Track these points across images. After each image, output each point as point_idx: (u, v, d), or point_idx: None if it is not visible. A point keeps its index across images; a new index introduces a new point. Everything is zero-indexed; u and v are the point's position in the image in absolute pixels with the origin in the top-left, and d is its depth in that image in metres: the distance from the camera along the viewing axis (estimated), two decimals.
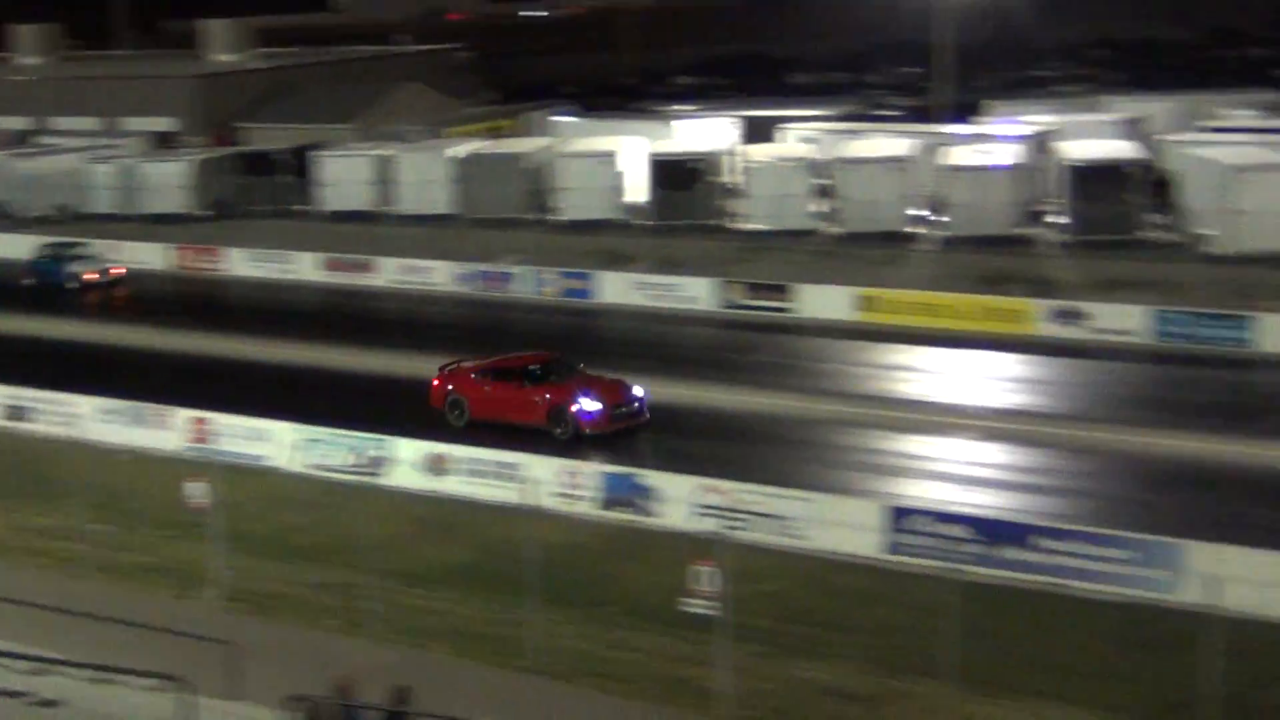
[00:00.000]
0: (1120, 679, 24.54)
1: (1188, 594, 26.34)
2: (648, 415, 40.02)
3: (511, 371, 40.79)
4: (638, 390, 40.22)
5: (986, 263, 56.50)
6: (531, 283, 58.89)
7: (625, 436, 38.99)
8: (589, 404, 39.21)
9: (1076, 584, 28.40)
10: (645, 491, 33.14)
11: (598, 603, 28.51)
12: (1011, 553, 29.19)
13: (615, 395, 39.75)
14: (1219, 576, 25.03)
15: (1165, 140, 65.79)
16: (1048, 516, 31.31)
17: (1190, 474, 34.75)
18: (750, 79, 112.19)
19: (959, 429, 39.09)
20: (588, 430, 38.97)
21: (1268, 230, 54.70)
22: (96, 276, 64.29)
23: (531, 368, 40.70)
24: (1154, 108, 74.92)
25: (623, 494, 33.39)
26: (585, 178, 68.85)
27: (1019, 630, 26.60)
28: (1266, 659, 24.52)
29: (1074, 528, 29.82)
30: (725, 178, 67.82)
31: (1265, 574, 26.76)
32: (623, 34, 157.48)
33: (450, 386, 41.19)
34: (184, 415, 39.83)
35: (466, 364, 41.83)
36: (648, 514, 32.90)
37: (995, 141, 65.86)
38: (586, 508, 33.65)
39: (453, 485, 35.21)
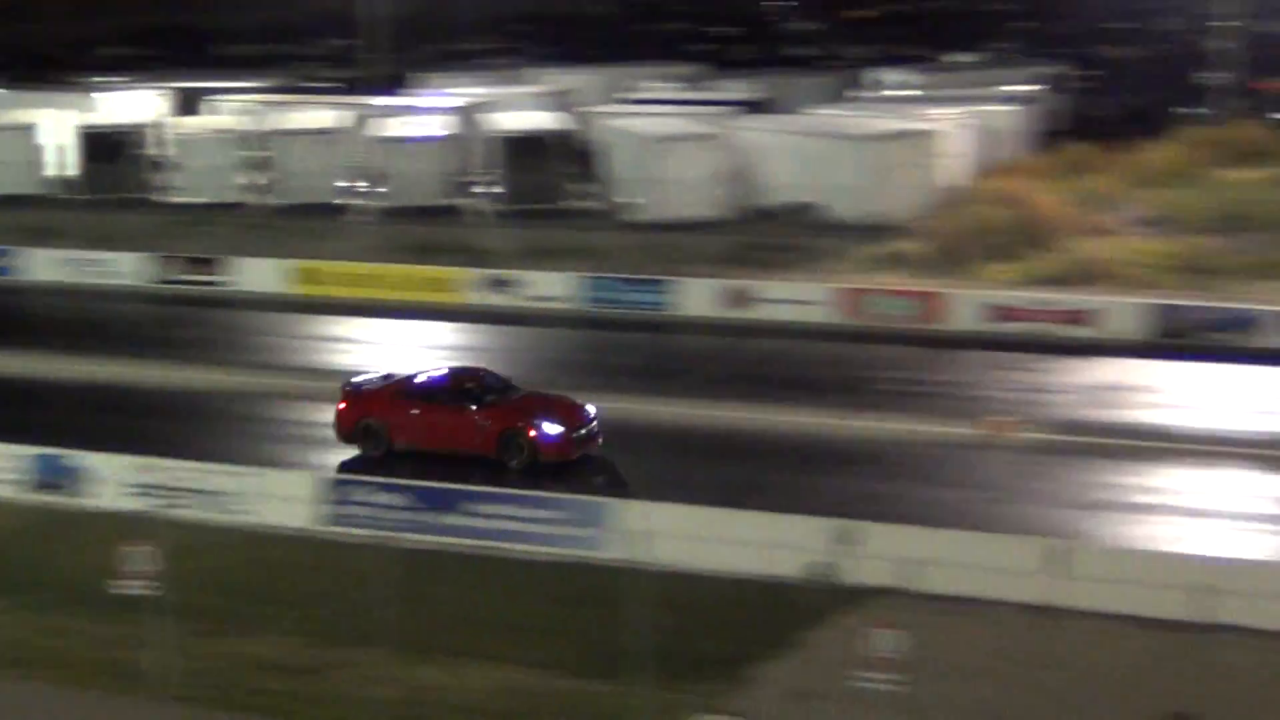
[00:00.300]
0: (554, 635, 25.24)
1: (618, 550, 27.38)
2: (600, 438, 34.47)
3: (443, 390, 34.92)
4: (590, 408, 34.53)
5: (420, 233, 56.93)
6: None
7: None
8: (550, 427, 33.61)
9: (511, 546, 29.09)
10: (75, 472, 32.28)
11: (29, 588, 27.72)
12: (448, 519, 29.72)
13: (572, 416, 34.13)
14: (648, 532, 26.20)
15: (590, 112, 67.73)
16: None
17: (624, 432, 35.52)
18: (181, 51, 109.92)
19: None
20: (547, 458, 33.50)
21: (686, 198, 57.14)
22: None
23: (469, 385, 34.96)
24: (579, 80, 77.00)
25: (51, 476, 32.43)
26: (3, 151, 66.43)
27: (455, 594, 27.08)
28: (693, 610, 25.58)
29: (504, 491, 30.61)
30: (154, 150, 66.40)
31: (690, 528, 28.06)
32: (46, 3, 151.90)
33: (362, 411, 35.09)
34: None
35: (374, 382, 36.00)
36: (79, 495, 32.08)
37: (423, 114, 66.56)
38: (13, 492, 32.60)
39: None
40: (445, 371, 36.15)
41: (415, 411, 34.39)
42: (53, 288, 54.56)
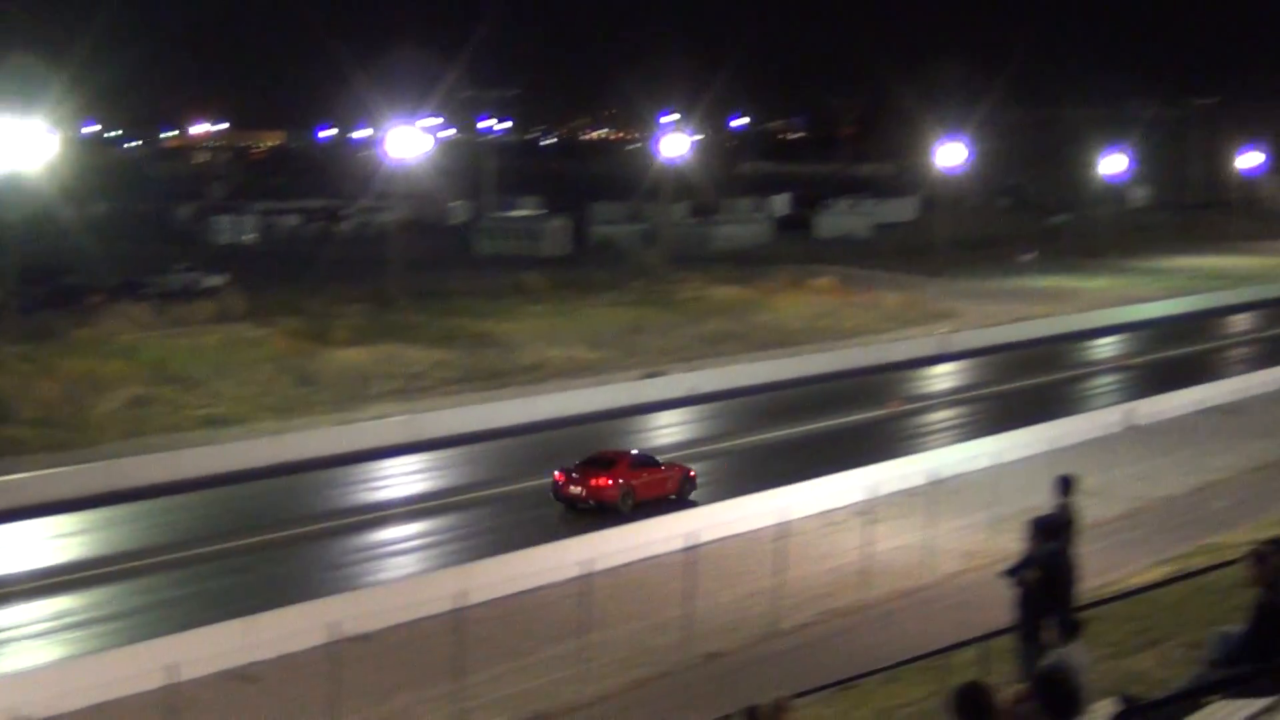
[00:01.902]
0: None
1: None
2: None
3: (644, 460, 51.53)
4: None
5: None
6: None
7: None
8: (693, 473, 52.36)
9: None
10: None
11: None
12: None
13: None
14: None
15: None
16: None
17: None
18: None
19: None
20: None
21: None
22: None
23: (650, 455, 53.03)
24: None
25: None
26: None
27: None
28: None
29: None
30: None
31: None
32: None
33: (620, 480, 49.22)
34: None
35: (610, 460, 50.82)
36: None
37: None
38: None
39: None
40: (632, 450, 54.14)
41: (645, 476, 50.45)
42: None
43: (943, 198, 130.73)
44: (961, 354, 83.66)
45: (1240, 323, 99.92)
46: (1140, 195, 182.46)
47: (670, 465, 52.06)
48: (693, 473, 52.00)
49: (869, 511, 44.48)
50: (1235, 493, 51.96)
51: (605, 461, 50.38)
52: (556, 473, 49.85)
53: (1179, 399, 67.36)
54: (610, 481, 49.09)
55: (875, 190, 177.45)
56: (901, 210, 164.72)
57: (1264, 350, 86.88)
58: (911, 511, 47.00)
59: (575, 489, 49.19)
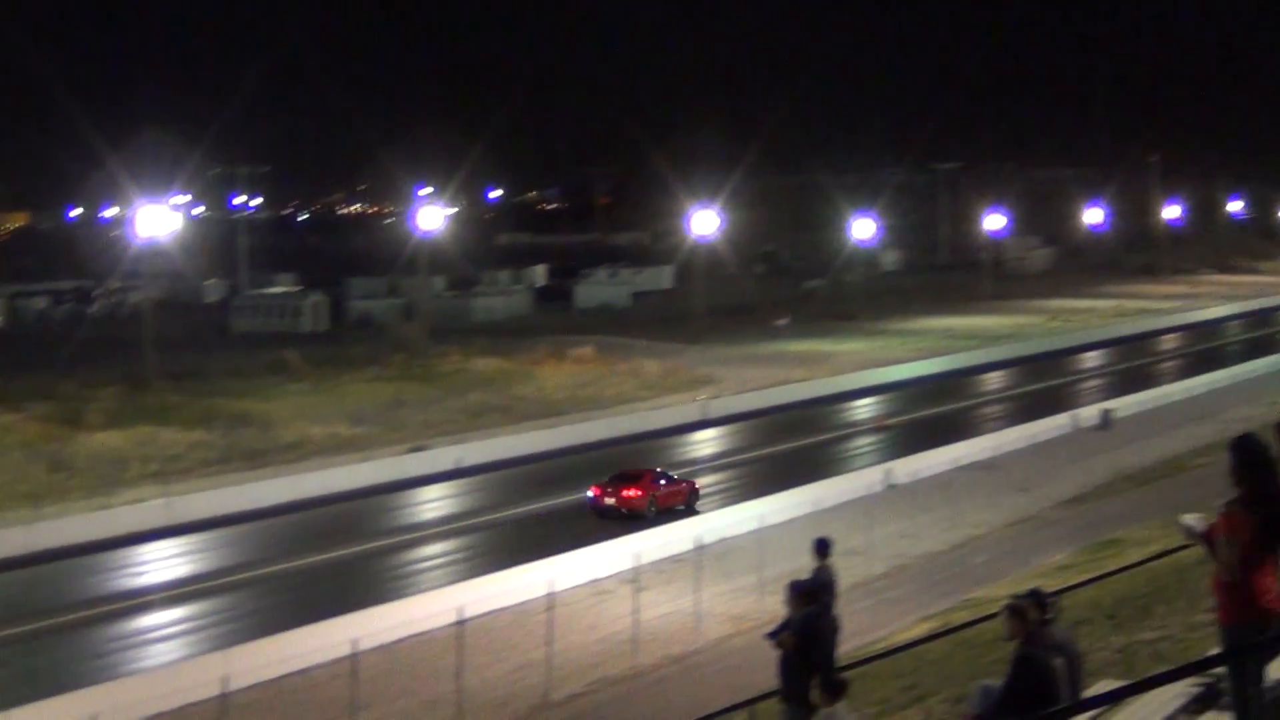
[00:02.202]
0: None
1: None
2: None
3: (662, 475, 61.34)
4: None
5: None
6: None
7: None
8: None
9: None
10: None
11: None
12: None
13: None
14: None
15: None
16: None
17: None
18: None
19: None
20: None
21: None
22: None
23: (666, 471, 62.94)
24: None
25: None
26: None
27: None
28: None
29: None
30: None
31: None
32: None
33: (646, 491, 58.78)
34: None
35: (636, 475, 60.46)
36: None
37: None
38: None
39: None
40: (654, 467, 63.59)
41: (664, 486, 60.13)
42: None
43: (698, 265, 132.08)
44: (723, 419, 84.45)
45: (993, 381, 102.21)
46: (891, 259, 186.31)
47: (681, 480, 61.94)
48: (698, 486, 62.20)
49: (637, 579, 44.66)
50: (994, 547, 53.11)
51: (632, 476, 60.09)
52: (593, 488, 59.49)
53: (937, 457, 68.73)
54: (639, 492, 58.68)
55: (632, 259, 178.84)
56: (659, 278, 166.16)
57: (1016, 407, 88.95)
58: (679, 577, 47.32)
59: (609, 500, 58.57)
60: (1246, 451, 10.93)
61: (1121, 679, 17.86)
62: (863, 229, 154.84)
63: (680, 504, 59.59)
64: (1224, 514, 10.79)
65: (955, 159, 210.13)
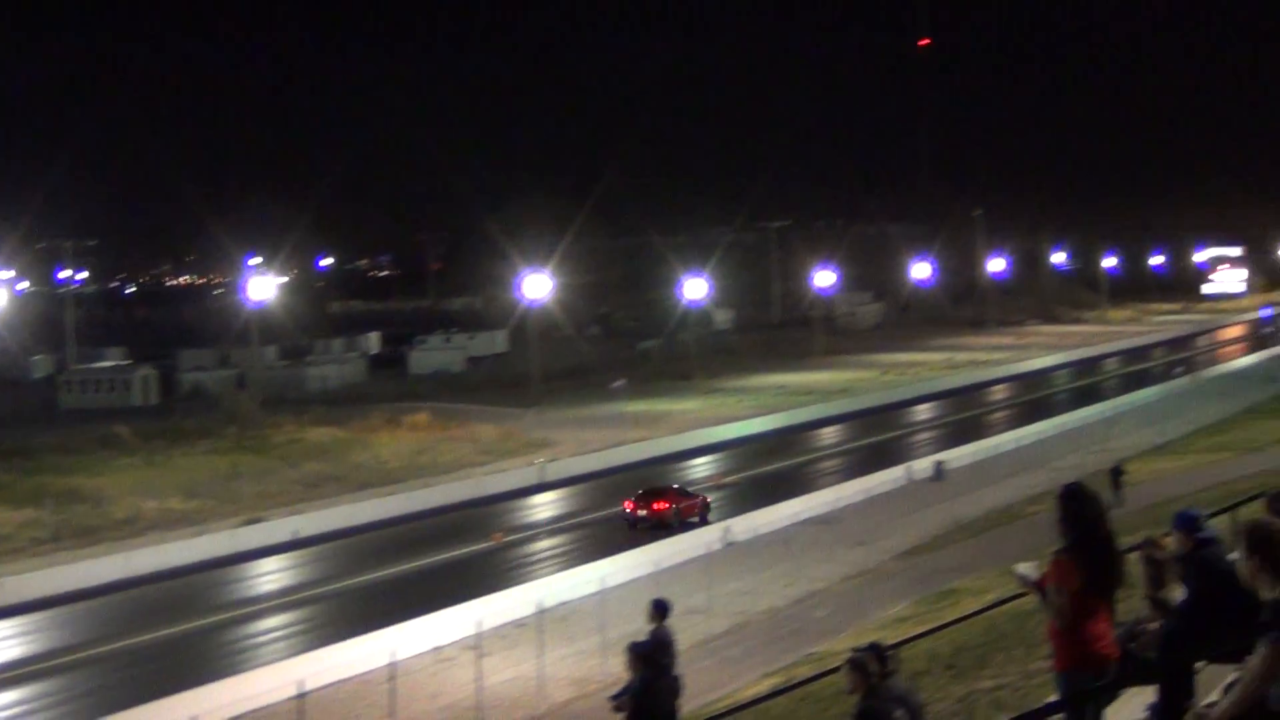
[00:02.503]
0: None
1: None
2: None
3: (682, 491, 72.88)
4: None
5: None
6: None
7: None
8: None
9: None
10: None
11: None
12: None
13: None
14: None
15: None
16: None
17: None
18: None
19: None
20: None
21: None
22: None
23: (683, 488, 74.64)
24: None
25: None
26: None
27: None
28: None
29: None
30: None
31: None
32: None
33: (671, 504, 69.78)
34: None
35: (662, 490, 72.03)
36: None
37: None
38: None
39: None
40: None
41: (684, 501, 70.87)
42: None
43: (532, 329, 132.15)
44: (562, 481, 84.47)
45: (828, 436, 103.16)
46: (724, 317, 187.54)
47: (696, 494, 73.15)
48: (709, 500, 72.59)
49: (479, 645, 44.46)
50: (834, 601, 53.48)
51: (659, 492, 71.40)
52: (626, 503, 70.41)
53: (775, 513, 69.25)
54: (667, 505, 69.59)
55: (466, 324, 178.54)
56: (493, 343, 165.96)
57: (852, 461, 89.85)
58: (521, 642, 47.19)
59: (642, 512, 69.16)
60: (1072, 500, 11.16)
61: None
62: (695, 289, 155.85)
63: (695, 516, 70.21)
64: (1053, 562, 11.00)
65: (785, 217, 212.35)
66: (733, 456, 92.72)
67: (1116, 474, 67.30)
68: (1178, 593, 12.68)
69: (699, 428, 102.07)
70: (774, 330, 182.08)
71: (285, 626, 55.09)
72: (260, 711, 40.99)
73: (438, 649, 47.90)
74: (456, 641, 48.10)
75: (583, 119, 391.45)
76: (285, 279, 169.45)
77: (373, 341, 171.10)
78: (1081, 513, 11.05)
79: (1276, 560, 8.73)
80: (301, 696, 37.55)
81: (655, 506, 69.31)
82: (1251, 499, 17.69)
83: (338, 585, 61.16)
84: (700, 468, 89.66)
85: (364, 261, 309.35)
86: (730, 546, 63.61)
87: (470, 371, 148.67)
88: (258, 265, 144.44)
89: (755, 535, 65.32)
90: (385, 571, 63.13)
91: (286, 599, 58.82)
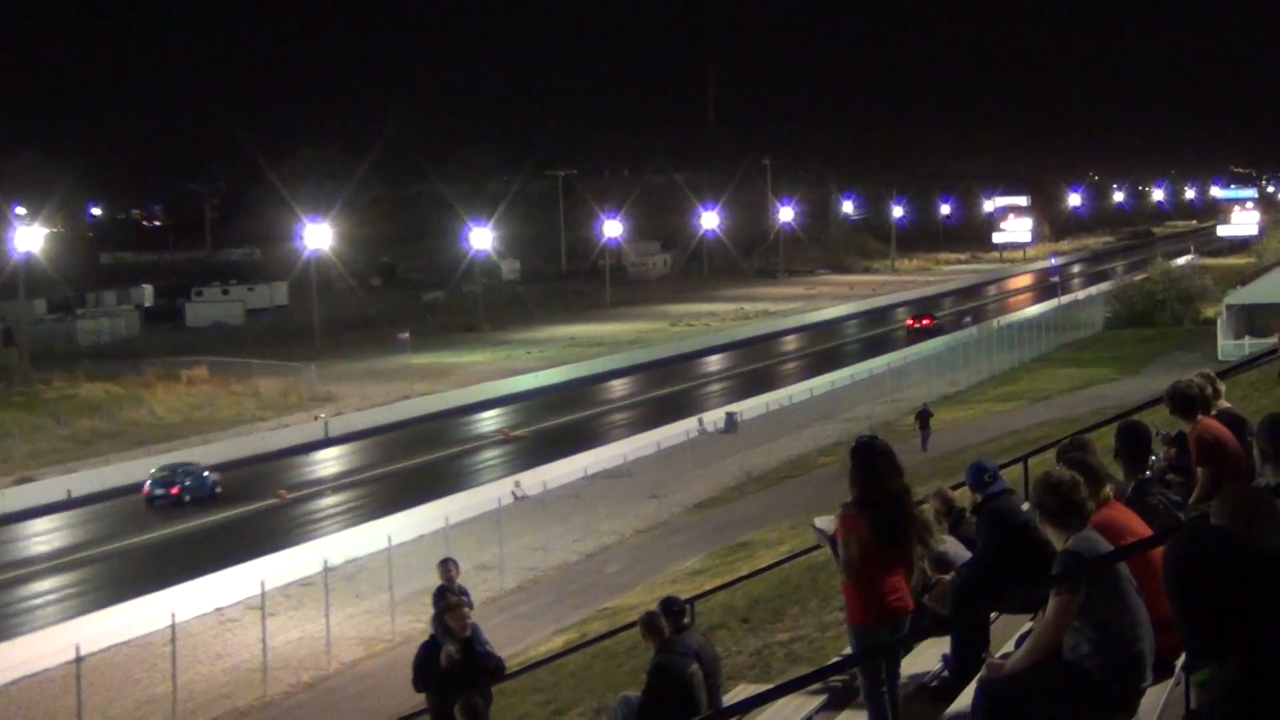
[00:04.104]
0: None
1: None
2: None
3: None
4: None
5: None
6: None
7: None
8: None
9: None
10: None
11: None
12: None
13: None
14: None
15: None
16: None
17: None
18: None
19: None
20: None
21: None
22: None
23: None
24: None
25: None
26: None
27: None
28: None
29: None
30: None
31: None
32: None
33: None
34: None
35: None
36: None
37: None
38: None
39: None
40: None
41: None
42: None
43: (314, 280, 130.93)
44: (346, 437, 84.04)
45: (620, 388, 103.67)
46: (511, 268, 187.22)
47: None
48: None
49: (264, 605, 44.16)
50: (626, 555, 53.94)
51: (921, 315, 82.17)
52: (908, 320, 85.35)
53: (566, 467, 69.50)
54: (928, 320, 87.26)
55: (245, 275, 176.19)
56: (273, 295, 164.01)
57: (644, 413, 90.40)
58: (308, 601, 46.99)
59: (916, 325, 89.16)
60: (863, 453, 11.41)
61: (758, 681, 18.44)
62: (480, 238, 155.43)
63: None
64: (842, 515, 11.23)
65: (572, 165, 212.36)
66: (522, 410, 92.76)
67: (924, 417, 68.58)
68: (948, 545, 13.03)
69: (486, 380, 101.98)
70: (563, 281, 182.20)
71: (60, 589, 54.26)
72: (36, 677, 40.40)
73: (220, 610, 47.55)
74: (240, 602, 47.79)
75: (365, 65, 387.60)
76: (53, 229, 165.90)
77: (146, 294, 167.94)
78: (871, 466, 11.29)
79: (1065, 511, 9.03)
80: (79, 661, 37.03)
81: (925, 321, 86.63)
82: (1043, 449, 18.23)
83: (114, 546, 60.34)
84: (488, 421, 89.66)
85: (136, 212, 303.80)
86: (521, 501, 63.79)
87: (250, 324, 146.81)
88: (23, 215, 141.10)
89: (545, 490, 65.52)
90: (164, 531, 62.44)
91: (60, 560, 57.92)
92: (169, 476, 68.49)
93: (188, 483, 68.38)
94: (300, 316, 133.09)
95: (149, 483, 67.82)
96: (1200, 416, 12.31)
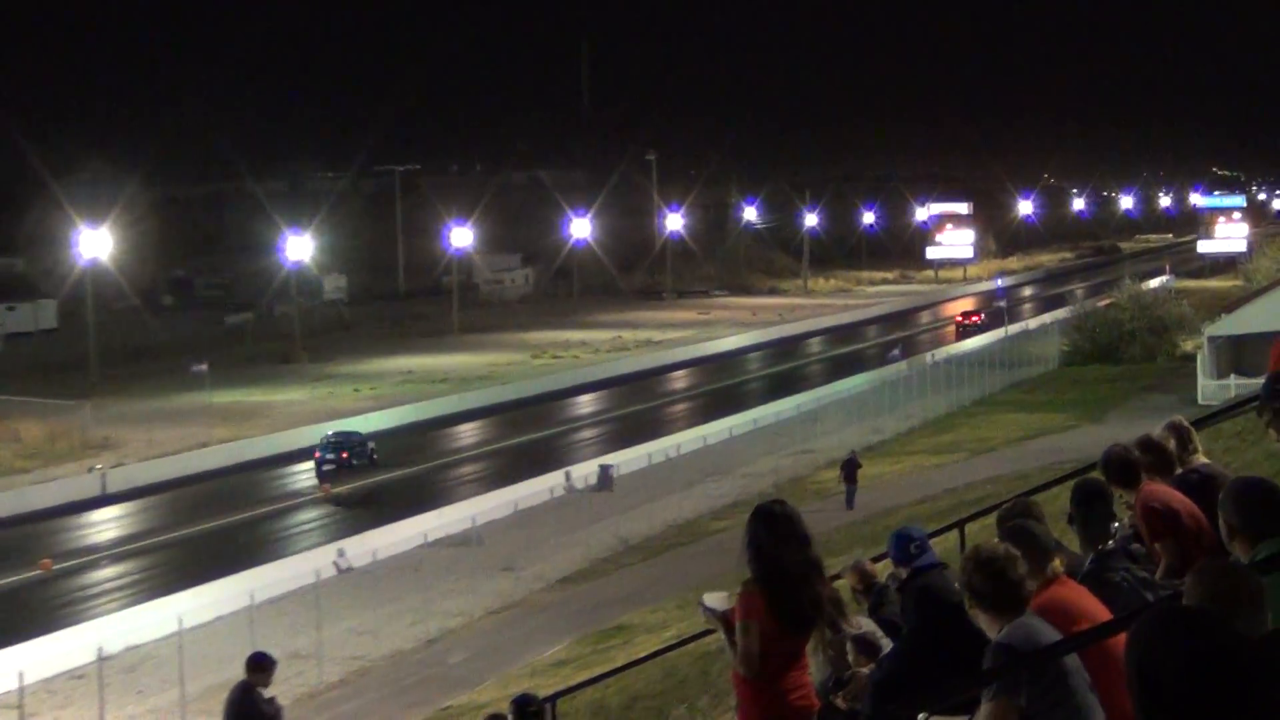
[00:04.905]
0: None
1: None
2: None
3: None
4: None
5: None
6: None
7: None
8: None
9: None
10: None
11: None
12: None
13: None
14: None
15: None
16: None
17: None
18: None
19: None
20: None
21: None
22: None
23: None
24: None
25: None
26: None
27: None
28: None
29: None
30: None
31: None
32: None
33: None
34: None
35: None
36: None
37: None
38: None
39: None
40: None
41: None
42: None
43: (90, 298, 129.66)
44: (128, 493, 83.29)
45: (469, 434, 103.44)
46: (337, 285, 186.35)
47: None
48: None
49: (21, 704, 43.66)
50: (475, 642, 53.78)
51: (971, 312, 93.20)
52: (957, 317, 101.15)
53: (401, 532, 69.28)
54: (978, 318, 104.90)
55: (4, 292, 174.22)
56: (39, 317, 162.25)
57: (498, 466, 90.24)
58: (78, 698, 46.56)
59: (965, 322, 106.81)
60: (764, 521, 11.37)
61: None
62: (298, 249, 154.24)
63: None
64: (740, 594, 11.21)
65: (413, 160, 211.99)
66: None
67: (851, 468, 68.72)
68: (867, 626, 13.08)
69: (304, 424, 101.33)
70: (400, 302, 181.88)
71: None
72: None
73: None
74: None
75: (158, 35, 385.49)
76: None
77: None
78: (774, 535, 11.27)
79: (999, 593, 9.00)
80: None
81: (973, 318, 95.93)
82: (984, 513, 18.32)
83: None
84: (305, 475, 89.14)
85: None
86: (345, 574, 63.48)
87: (9, 352, 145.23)
88: None
89: (376, 560, 65.28)
90: None
91: None
92: None
93: None
94: (72, 343, 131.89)
95: None
96: (1145, 482, 12.29)
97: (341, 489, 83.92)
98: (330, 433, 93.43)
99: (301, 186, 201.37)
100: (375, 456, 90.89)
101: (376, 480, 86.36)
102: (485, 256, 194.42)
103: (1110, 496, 11.96)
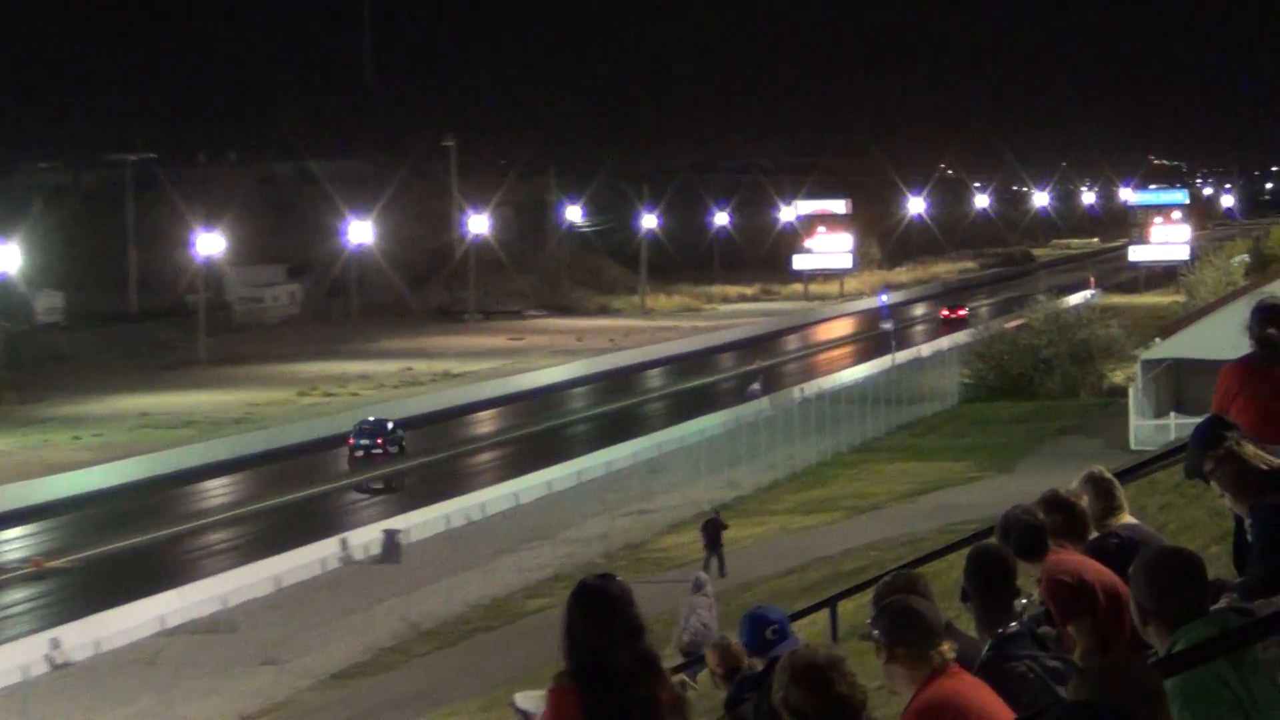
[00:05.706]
0: None
1: None
2: None
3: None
4: None
5: None
6: None
7: None
8: None
9: None
10: None
11: None
12: None
13: None
14: None
15: None
16: None
17: None
18: None
19: None
20: None
21: None
22: None
23: None
24: None
25: None
26: None
27: None
28: None
29: None
30: None
31: None
32: None
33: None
34: None
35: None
36: None
37: None
38: None
39: None
40: None
41: None
42: None
43: None
44: None
45: (218, 492, 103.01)
46: (52, 304, 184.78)
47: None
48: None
49: None
50: None
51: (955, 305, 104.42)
52: (942, 310, 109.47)
53: (132, 616, 68.80)
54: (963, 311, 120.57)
55: None
56: None
57: (256, 532, 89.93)
58: None
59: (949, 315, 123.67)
60: (587, 603, 11.27)
61: None
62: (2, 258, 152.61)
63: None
64: (551, 692, 11.12)
65: (148, 148, 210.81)
66: (64, 527, 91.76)
67: (714, 529, 68.75)
68: None
69: (7, 482, 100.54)
70: (133, 325, 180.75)
71: None
72: None
73: None
74: None
75: None
76: None
77: None
78: (597, 622, 11.19)
79: (825, 717, 8.88)
80: None
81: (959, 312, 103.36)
82: (862, 586, 18.39)
83: None
84: (9, 546, 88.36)
85: None
86: (60, 670, 62.97)
87: None
88: None
89: (99, 652, 64.79)
90: None
91: None
92: None
93: None
94: None
95: None
96: (1052, 550, 12.27)
97: (60, 562, 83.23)
98: (368, 419, 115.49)
99: (4, 180, 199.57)
100: (404, 444, 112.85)
101: (112, 550, 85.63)
102: (241, 269, 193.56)
103: (1014, 566, 11.91)
